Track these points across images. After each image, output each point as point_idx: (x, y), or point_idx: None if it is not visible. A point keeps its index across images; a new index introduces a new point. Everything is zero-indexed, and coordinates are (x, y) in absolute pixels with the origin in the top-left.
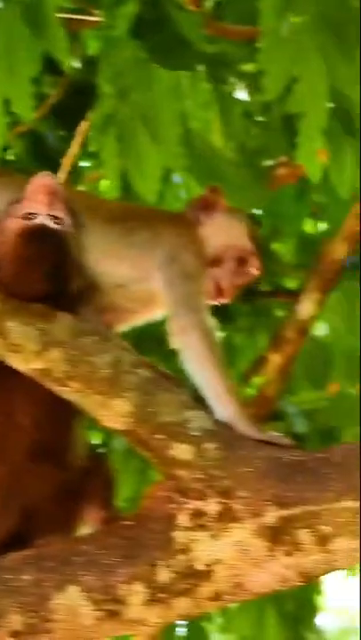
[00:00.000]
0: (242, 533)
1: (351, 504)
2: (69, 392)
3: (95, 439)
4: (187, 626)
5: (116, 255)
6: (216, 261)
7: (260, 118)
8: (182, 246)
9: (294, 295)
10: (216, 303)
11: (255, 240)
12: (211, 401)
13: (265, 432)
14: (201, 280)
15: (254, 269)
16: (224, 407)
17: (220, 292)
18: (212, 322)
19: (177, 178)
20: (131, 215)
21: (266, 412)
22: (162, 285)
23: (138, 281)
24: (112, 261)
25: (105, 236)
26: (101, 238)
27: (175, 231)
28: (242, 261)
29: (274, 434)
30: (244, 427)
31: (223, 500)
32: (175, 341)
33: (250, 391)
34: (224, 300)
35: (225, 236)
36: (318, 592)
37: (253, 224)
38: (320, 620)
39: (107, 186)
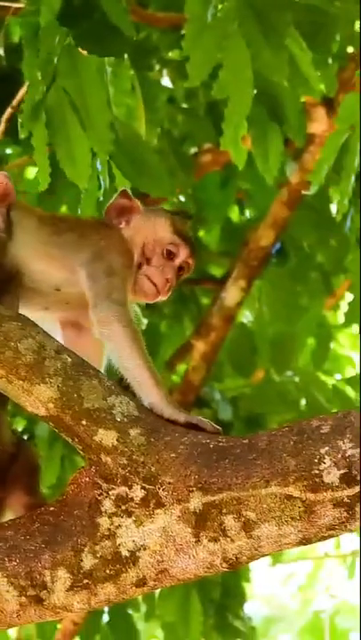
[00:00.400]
0: (167, 519)
1: (276, 490)
2: None
3: (19, 425)
4: (111, 612)
5: (46, 254)
6: (145, 260)
7: (184, 105)
8: (106, 248)
9: (220, 282)
10: (154, 301)
11: (182, 231)
12: (136, 388)
13: (191, 416)
14: (124, 277)
15: (186, 259)
16: (148, 394)
17: (155, 289)
18: (132, 313)
19: (99, 165)
20: (60, 220)
21: (191, 398)
22: (84, 280)
23: (72, 283)
24: (44, 260)
25: (38, 234)
26: (35, 236)
27: (100, 234)
28: (170, 254)
29: (200, 418)
30: (169, 412)
31: (148, 486)
32: (97, 332)
33: (175, 378)
34: (162, 297)
35: (146, 234)
36: (246, 579)
37: (185, 215)
38: (247, 608)
39: (33, 173)
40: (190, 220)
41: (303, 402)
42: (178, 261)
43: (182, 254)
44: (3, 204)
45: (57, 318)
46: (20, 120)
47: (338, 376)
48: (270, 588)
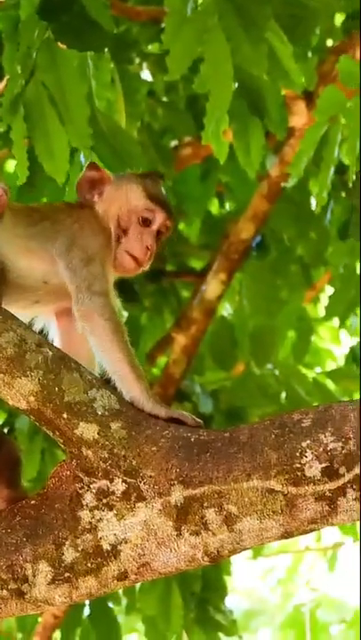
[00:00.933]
0: (148, 513)
1: (258, 484)
2: None
3: None
4: (92, 606)
5: (26, 248)
6: (122, 232)
7: (164, 99)
8: (80, 230)
9: (200, 275)
10: (135, 273)
11: (156, 195)
12: (117, 382)
13: (172, 410)
14: (103, 261)
15: (163, 223)
16: (130, 388)
17: (135, 260)
18: (115, 304)
19: (82, 158)
20: (33, 210)
21: (171, 392)
22: (63, 272)
23: (56, 274)
24: (25, 255)
25: (14, 229)
26: (12, 231)
27: (72, 217)
28: (146, 221)
29: (181, 412)
30: (150, 406)
31: (129, 480)
32: (81, 326)
33: (155, 371)
34: (144, 267)
35: (120, 205)
36: (227, 573)
37: (156, 176)
38: (228, 602)
39: (12, 166)
40: (162, 179)
41: (284, 395)
42: (155, 227)
43: (159, 218)
44: None
45: (51, 310)
46: None
47: (318, 369)
48: (250, 582)
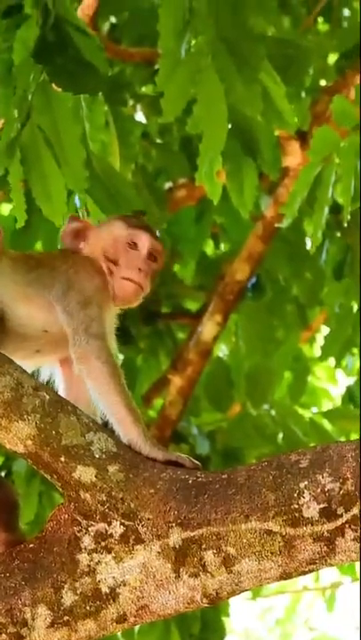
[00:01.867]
0: (147, 555)
1: (256, 525)
2: None
3: None
4: None
5: (24, 295)
6: (113, 264)
7: (158, 140)
8: (75, 274)
9: (195, 317)
10: (138, 297)
11: (137, 222)
12: (115, 425)
13: (169, 453)
14: (100, 303)
15: (151, 245)
16: (128, 431)
17: (135, 285)
18: (112, 347)
19: (77, 200)
20: (30, 257)
21: (168, 433)
22: (61, 316)
23: (55, 322)
24: (24, 302)
25: (13, 276)
26: (10, 278)
27: (68, 263)
28: (132, 245)
29: (179, 454)
30: (148, 449)
31: (127, 522)
32: (78, 369)
33: (152, 413)
34: (145, 290)
35: (104, 241)
36: (226, 614)
37: (138, 213)
38: None
39: (7, 210)
40: (144, 216)
41: (280, 435)
42: (144, 249)
43: (144, 240)
44: None
45: (53, 359)
46: None
47: (315, 409)
48: (249, 623)
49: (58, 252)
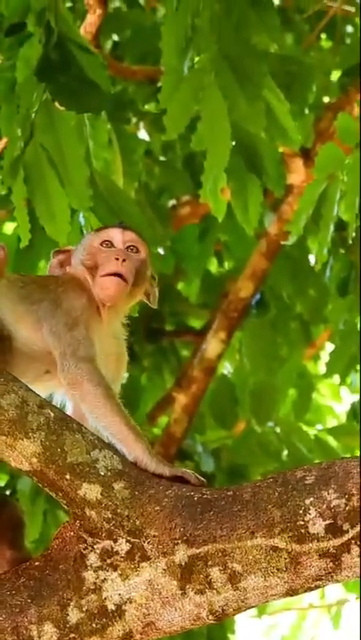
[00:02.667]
0: (152, 572)
1: (262, 541)
2: None
3: (1, 481)
4: None
5: (18, 315)
6: (93, 269)
7: (161, 158)
8: (64, 292)
9: (199, 334)
10: (122, 291)
11: (105, 225)
12: (118, 445)
13: (176, 469)
14: (88, 324)
15: (124, 238)
16: (131, 449)
17: (117, 278)
18: (100, 368)
19: (81, 219)
20: (24, 277)
21: (173, 451)
22: (48, 337)
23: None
24: (21, 322)
25: (9, 296)
26: (7, 298)
27: (58, 282)
28: (105, 244)
29: (185, 470)
30: (154, 465)
31: (133, 540)
32: (70, 393)
33: (156, 431)
34: (129, 281)
35: (81, 254)
36: (232, 631)
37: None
38: None
39: (9, 228)
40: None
41: (285, 452)
42: (118, 243)
43: (115, 233)
44: None
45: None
46: None
47: (319, 426)
48: None
49: (50, 276)
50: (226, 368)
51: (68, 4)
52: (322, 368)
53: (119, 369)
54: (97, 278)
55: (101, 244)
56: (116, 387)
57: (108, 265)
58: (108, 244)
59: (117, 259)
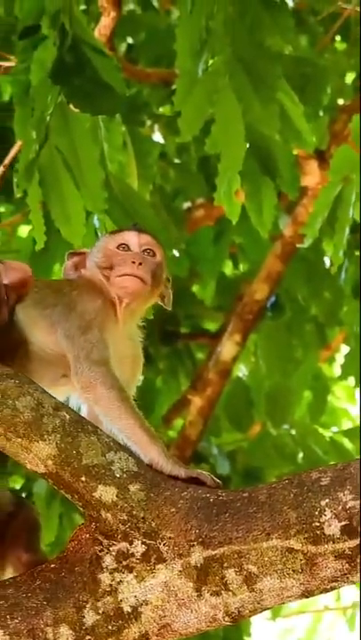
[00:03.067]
0: (168, 574)
1: (278, 543)
2: None
3: (17, 484)
4: None
5: (34, 320)
6: (109, 270)
7: (176, 160)
8: (78, 295)
9: (214, 337)
10: (142, 290)
11: (120, 228)
12: (133, 447)
13: (191, 470)
14: (102, 327)
15: (140, 241)
16: (147, 451)
17: (135, 279)
18: (114, 370)
19: (96, 221)
20: (40, 281)
21: (188, 453)
22: (62, 340)
23: None
24: (37, 327)
25: (26, 303)
26: (24, 305)
27: (72, 286)
28: (122, 247)
29: (200, 472)
30: (169, 468)
31: (149, 541)
32: (83, 397)
33: (172, 433)
34: (147, 284)
35: (96, 257)
36: (247, 634)
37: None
38: None
39: (25, 231)
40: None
41: (301, 455)
42: (135, 246)
43: (131, 236)
44: (20, 292)
45: None
46: (14, 179)
47: (335, 429)
48: None
49: (63, 280)
50: (241, 370)
51: (83, 7)
52: (337, 370)
53: (135, 371)
54: (113, 278)
55: (118, 247)
56: (131, 389)
57: (125, 267)
58: (125, 247)
59: (134, 262)
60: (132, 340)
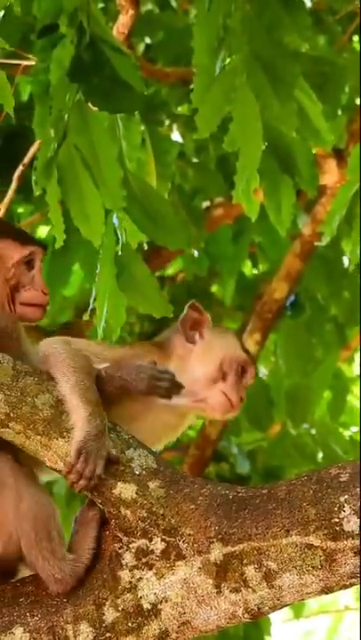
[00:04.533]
0: (188, 571)
1: (297, 539)
2: (11, 434)
3: None
4: None
5: None
6: (221, 376)
7: (195, 160)
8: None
9: None
10: (227, 416)
11: (249, 352)
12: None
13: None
14: None
15: (251, 378)
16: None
17: (230, 404)
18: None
19: (115, 219)
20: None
21: (208, 453)
22: None
23: None
24: None
25: None
26: None
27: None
28: (243, 371)
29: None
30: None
31: (168, 538)
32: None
33: (191, 433)
34: (235, 412)
35: (224, 351)
36: (268, 633)
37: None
38: None
39: (44, 231)
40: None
41: (320, 454)
42: (246, 380)
43: (250, 373)
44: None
45: None
46: (33, 177)
47: (354, 428)
48: None
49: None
50: (261, 370)
51: (101, 5)
52: (356, 370)
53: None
54: (218, 389)
55: (242, 368)
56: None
57: (234, 393)
58: (245, 371)
59: (241, 399)
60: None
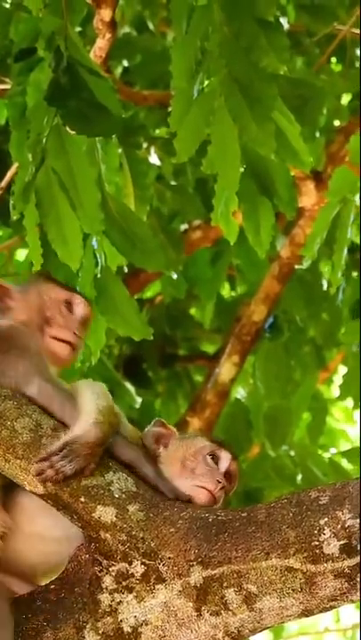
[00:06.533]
0: (168, 594)
1: (277, 562)
2: None
3: None
4: None
5: None
6: (186, 472)
7: (173, 182)
8: None
9: (213, 359)
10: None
11: (220, 440)
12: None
13: None
14: None
15: (230, 464)
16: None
17: (210, 496)
18: None
19: (94, 243)
20: None
21: None
22: None
23: None
24: None
25: None
26: None
27: None
28: (213, 458)
29: None
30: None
31: (148, 562)
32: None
33: None
34: (217, 503)
35: (185, 450)
36: None
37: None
38: None
39: (22, 255)
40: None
41: (300, 476)
42: (223, 466)
43: (224, 457)
44: None
45: None
46: (11, 202)
47: (333, 450)
48: None
49: None
50: (239, 392)
51: (78, 29)
52: (335, 391)
53: None
54: (193, 484)
55: (210, 455)
56: None
57: (210, 482)
58: (216, 457)
59: (219, 483)
60: None
